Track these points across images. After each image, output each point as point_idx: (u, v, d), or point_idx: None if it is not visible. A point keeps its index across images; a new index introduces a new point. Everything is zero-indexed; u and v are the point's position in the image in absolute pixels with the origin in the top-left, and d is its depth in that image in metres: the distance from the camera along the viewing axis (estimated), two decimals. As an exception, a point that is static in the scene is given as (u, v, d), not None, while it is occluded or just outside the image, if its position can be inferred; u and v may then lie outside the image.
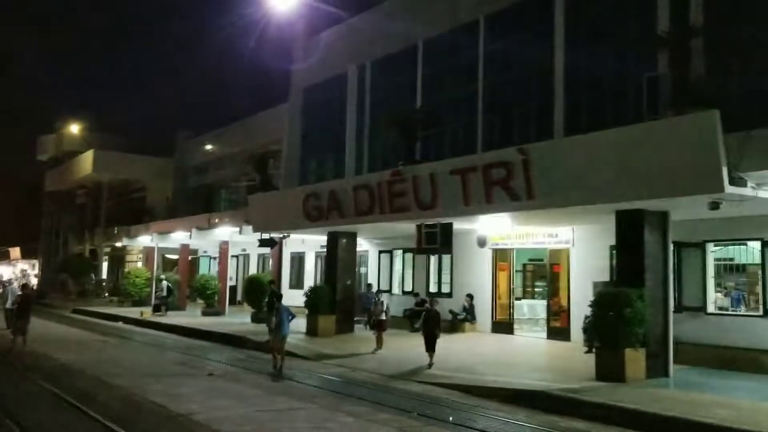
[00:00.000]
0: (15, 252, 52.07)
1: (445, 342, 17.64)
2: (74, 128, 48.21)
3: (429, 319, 14.54)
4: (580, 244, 17.46)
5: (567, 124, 16.88)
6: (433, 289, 20.69)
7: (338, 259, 20.51)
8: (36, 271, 48.74)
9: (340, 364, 14.91)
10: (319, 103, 26.25)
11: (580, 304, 15.95)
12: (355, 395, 11.50)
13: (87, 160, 42.81)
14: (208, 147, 36.09)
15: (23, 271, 52.11)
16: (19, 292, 27.95)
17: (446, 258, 20.41)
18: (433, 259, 20.97)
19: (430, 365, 13.86)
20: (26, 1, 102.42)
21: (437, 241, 16.32)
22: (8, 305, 24.80)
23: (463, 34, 20.06)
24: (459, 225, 17.06)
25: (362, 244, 22.75)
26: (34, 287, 37.70)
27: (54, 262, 47.36)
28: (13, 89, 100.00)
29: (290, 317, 14.22)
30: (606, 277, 15.79)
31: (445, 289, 20.41)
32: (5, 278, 39.08)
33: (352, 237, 20.89)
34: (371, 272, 23.63)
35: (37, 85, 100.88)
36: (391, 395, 11.52)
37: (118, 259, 41.33)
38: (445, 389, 11.97)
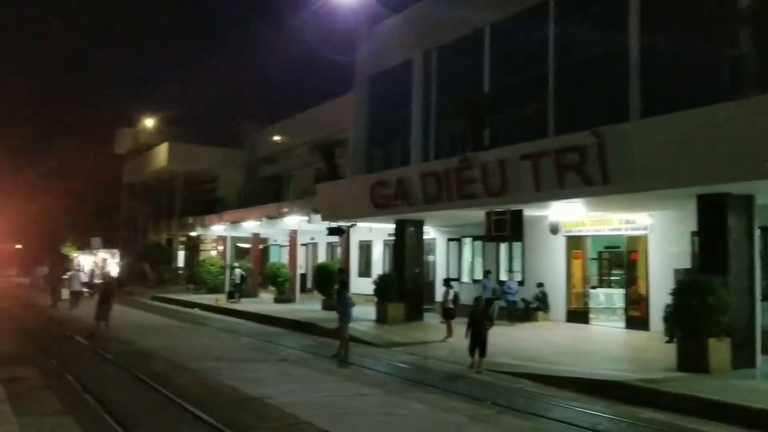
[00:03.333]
0: (96, 242, 54.49)
1: (517, 331, 17.50)
2: (150, 122, 49.92)
3: (475, 314, 12.75)
4: (658, 231, 16.85)
5: (643, 106, 16.26)
6: (503, 277, 20.41)
7: (406, 247, 20.51)
8: (116, 260, 50.80)
9: (409, 351, 14.92)
10: (385, 90, 26.24)
11: (659, 293, 15.42)
12: (426, 382, 11.48)
13: (162, 153, 44.26)
14: (277, 137, 36.67)
15: (103, 260, 54.45)
16: (85, 279, 29.85)
17: (517, 246, 20.09)
18: (503, 246, 20.67)
19: (475, 368, 12.32)
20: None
21: (507, 229, 16.06)
22: (73, 288, 26.73)
23: (532, 16, 19.59)
24: (530, 212, 16.75)
25: (429, 232, 22.67)
26: (115, 276, 39.29)
27: (133, 252, 49.30)
28: (94, 85, 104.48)
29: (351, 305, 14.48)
30: (687, 265, 15.21)
31: (516, 277, 20.08)
32: (78, 266, 40.97)
33: (420, 225, 20.84)
34: (439, 260, 23.52)
35: (115, 81, 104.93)
36: (462, 383, 11.44)
37: (193, 247, 42.62)
38: (518, 378, 11.78)
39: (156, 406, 9.42)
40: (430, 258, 23.55)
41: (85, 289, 28.32)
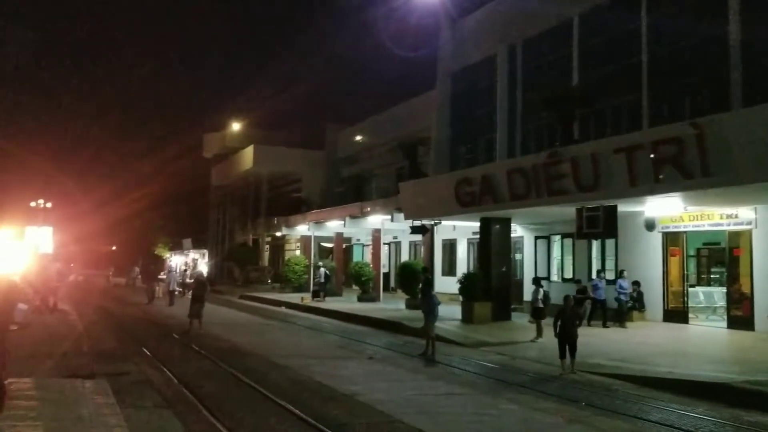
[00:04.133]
0: (187, 242, 56.83)
1: (611, 332, 16.97)
2: (236, 126, 51.63)
3: (563, 313, 12.16)
4: (764, 225, 15.94)
5: (745, 95, 15.46)
6: (595, 276, 19.84)
7: (492, 245, 20.28)
8: (206, 259, 52.75)
9: (498, 351, 14.73)
10: (468, 86, 26.05)
11: (765, 291, 14.59)
12: (516, 383, 11.31)
13: (248, 155, 45.68)
14: (358, 137, 37.09)
15: (194, 260, 56.67)
16: (179, 279, 31.25)
17: (610, 243, 19.47)
18: (595, 243, 20.08)
19: (567, 370, 11.90)
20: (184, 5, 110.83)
21: (600, 225, 15.61)
22: (171, 288, 28.24)
23: (623, 4, 18.98)
24: (624, 207, 16.22)
25: (516, 230, 22.31)
26: (206, 275, 40.84)
27: (221, 252, 51.07)
28: (181, 92, 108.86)
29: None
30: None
31: (609, 275, 19.46)
32: (172, 266, 42.80)
33: (506, 222, 20.55)
34: (527, 259, 23.11)
35: (202, 87, 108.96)
36: (554, 384, 11.19)
37: (278, 247, 43.74)
38: (613, 380, 11.42)
39: (249, 400, 9.68)
40: (517, 256, 23.18)
41: (178, 288, 29.59)
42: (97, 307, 26.49)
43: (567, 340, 12.03)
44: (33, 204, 50.95)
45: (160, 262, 51.09)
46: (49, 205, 51.48)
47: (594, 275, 19.09)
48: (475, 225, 21.49)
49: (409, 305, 22.77)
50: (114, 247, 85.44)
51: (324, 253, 34.98)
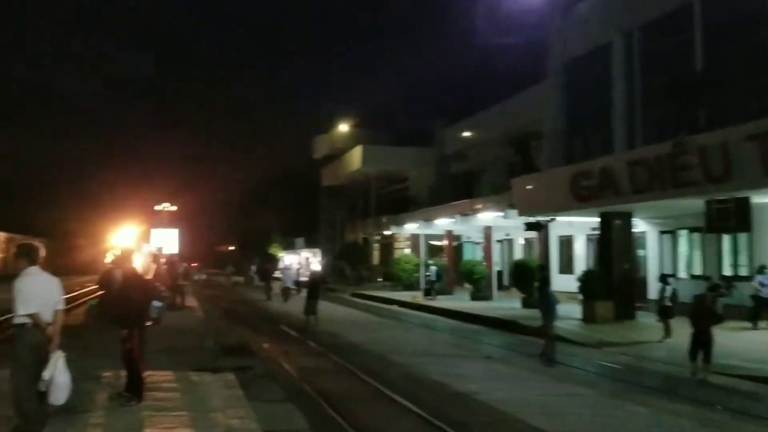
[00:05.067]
0: (300, 242, 58.74)
1: (749, 333, 15.91)
2: (344, 127, 52.76)
3: (697, 312, 11.37)
4: None
5: None
6: (727, 272, 18.66)
7: (612, 241, 19.57)
8: (318, 258, 54.25)
9: (621, 351, 14.21)
10: (582, 76, 25.24)
11: None
12: (644, 384, 10.89)
13: (356, 156, 46.52)
14: (466, 133, 36.82)
15: (306, 258, 58.43)
16: (294, 277, 32.38)
17: (742, 237, 18.25)
18: (726, 238, 18.90)
19: (699, 373, 10.95)
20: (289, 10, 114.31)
21: (731, 219, 14.71)
22: (288, 285, 29.43)
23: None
24: (758, 198, 15.17)
25: (639, 225, 21.40)
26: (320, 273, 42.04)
27: (332, 250, 52.33)
28: (291, 96, 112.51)
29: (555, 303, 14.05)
30: None
31: (743, 272, 18.21)
32: (288, 265, 44.36)
33: (628, 217, 19.76)
34: (650, 255, 22.10)
35: (312, 90, 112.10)
36: (685, 386, 10.64)
37: (388, 246, 44.25)
38: (755, 383, 10.73)
39: (368, 397, 9.89)
40: (640, 252, 22.23)
41: (293, 286, 30.69)
42: (219, 305, 27.92)
43: (701, 340, 11.40)
44: (158, 207, 54.39)
45: (275, 261, 53.07)
46: (173, 208, 54.80)
47: (757, 271, 17.35)
48: (594, 220, 20.81)
49: (525, 304, 22.39)
50: (232, 248, 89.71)
51: (434, 251, 35.03)
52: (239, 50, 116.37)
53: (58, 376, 6.25)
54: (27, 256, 6.51)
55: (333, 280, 43.50)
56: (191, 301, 25.50)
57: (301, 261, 58.39)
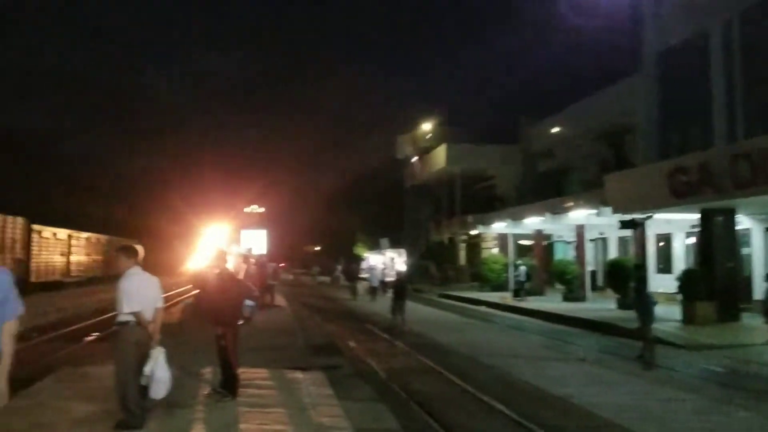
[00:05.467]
0: (384, 242, 59.17)
1: None
2: (427, 126, 52.76)
3: None
4: None
5: None
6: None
7: (714, 239, 18.66)
8: (403, 258, 54.46)
9: (726, 355, 13.51)
10: (677, 67, 24.17)
11: None
12: (750, 389, 10.31)
13: (440, 155, 46.43)
14: (554, 129, 36.04)
15: (391, 258, 58.74)
16: (380, 277, 32.66)
17: None
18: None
19: None
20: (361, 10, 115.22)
21: None
22: (374, 285, 29.79)
23: None
24: None
25: (743, 221, 20.31)
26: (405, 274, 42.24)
27: (417, 250, 52.41)
28: (376, 95, 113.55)
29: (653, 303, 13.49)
30: None
31: None
32: (373, 265, 44.78)
33: (731, 214, 18.79)
34: (756, 253, 20.91)
35: (393, 90, 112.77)
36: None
37: (474, 245, 43.87)
38: None
39: (458, 398, 9.81)
40: (745, 251, 21.09)
41: (379, 286, 31.00)
42: (307, 304, 28.48)
43: None
44: (247, 209, 56.13)
45: (360, 261, 53.66)
46: (262, 209, 56.44)
47: None
48: (693, 217, 19.91)
49: (621, 305, 21.67)
50: (318, 248, 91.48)
51: (522, 250, 34.44)
52: (324, 50, 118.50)
53: (158, 371, 6.53)
54: (130, 256, 6.84)
55: (418, 280, 43.54)
56: (280, 301, 26.13)
57: (386, 261, 58.80)
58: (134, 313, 6.54)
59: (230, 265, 10.90)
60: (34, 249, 28.51)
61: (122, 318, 6.59)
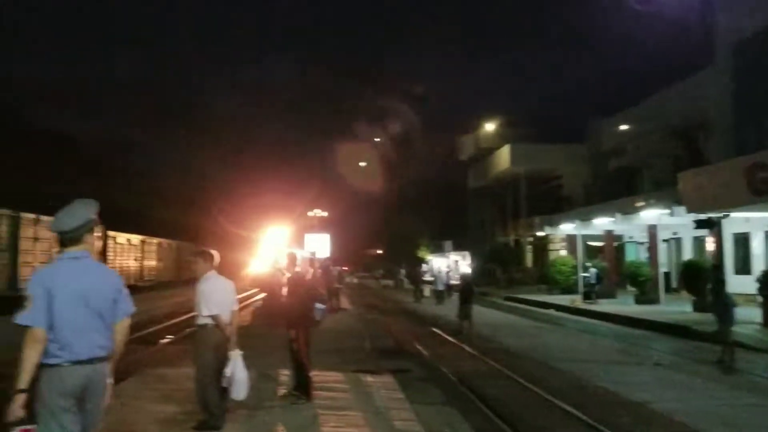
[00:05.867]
0: (448, 245, 58.98)
1: None
2: (490, 126, 52.39)
3: None
4: None
5: None
6: None
7: (797, 238, 17.93)
8: (467, 261, 54.20)
9: (814, 360, 13.00)
10: (752, 59, 23.38)
11: None
12: None
13: (504, 155, 46.04)
14: (623, 127, 35.24)
15: (455, 261, 58.55)
16: (446, 281, 32.56)
17: None
18: None
19: None
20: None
21: None
22: (439, 288, 29.73)
23: None
24: None
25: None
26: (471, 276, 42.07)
27: (481, 253, 52.03)
28: (438, 97, 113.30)
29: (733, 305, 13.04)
30: None
31: None
32: (438, 268, 44.69)
33: (815, 211, 18.02)
34: None
35: (456, 90, 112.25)
36: None
37: (541, 247, 43.29)
38: None
39: (531, 403, 9.73)
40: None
41: (444, 289, 30.98)
42: (372, 307, 28.71)
43: None
44: (310, 213, 56.90)
45: (423, 264, 53.61)
46: (324, 214, 57.13)
47: None
48: (774, 215, 19.20)
49: (697, 307, 21.03)
50: (380, 251, 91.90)
51: (592, 252, 33.79)
52: (384, 51, 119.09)
53: (237, 372, 6.75)
54: (207, 260, 7.10)
55: (483, 283, 43.25)
56: (345, 304, 26.42)
57: (450, 264, 58.63)
58: (213, 316, 6.78)
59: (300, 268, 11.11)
60: (110, 254, 29.71)
61: (202, 321, 6.84)
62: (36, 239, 21.99)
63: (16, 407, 3.68)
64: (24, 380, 3.71)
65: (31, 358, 3.76)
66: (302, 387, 8.66)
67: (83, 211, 4.11)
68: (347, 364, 11.66)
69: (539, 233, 40.98)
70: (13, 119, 37.28)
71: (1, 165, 31.58)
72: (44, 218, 22.65)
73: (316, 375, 9.44)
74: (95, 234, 4.16)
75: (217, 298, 6.85)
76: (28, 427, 3.71)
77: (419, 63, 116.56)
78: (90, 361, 3.91)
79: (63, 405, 3.82)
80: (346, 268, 56.37)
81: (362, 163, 63.05)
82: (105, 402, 4.07)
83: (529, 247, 45.71)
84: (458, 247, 58.61)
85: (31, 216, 21.85)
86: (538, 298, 30.69)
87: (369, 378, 10.45)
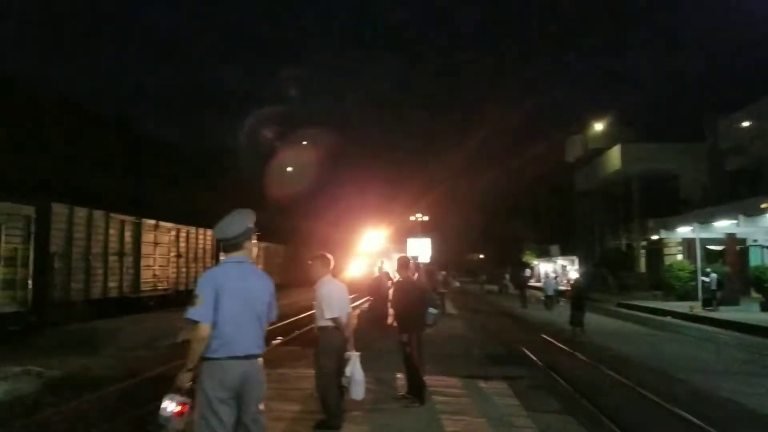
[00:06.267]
0: (554, 249, 57.72)
1: None
2: (598, 126, 50.83)
3: None
4: None
5: None
6: None
7: None
8: (575, 266, 52.84)
9: None
10: None
11: None
12: None
13: (614, 156, 44.50)
14: (745, 123, 33.31)
15: (562, 266, 57.18)
16: (554, 287, 31.86)
17: None
18: None
19: None
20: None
21: None
22: (548, 293, 29.22)
23: None
24: None
25: None
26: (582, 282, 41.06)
27: (591, 258, 50.53)
28: (543, 97, 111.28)
29: None
30: None
31: None
32: (547, 273, 43.84)
33: None
34: None
35: (561, 89, 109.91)
36: None
37: (655, 251, 41.56)
38: None
39: (652, 413, 9.44)
40: None
41: (553, 295, 30.43)
42: (477, 312, 28.52)
43: None
44: (412, 218, 57.23)
45: (528, 269, 52.72)
46: (426, 218, 57.31)
47: None
48: None
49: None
50: (482, 255, 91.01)
51: (712, 256, 32.15)
52: (485, 53, 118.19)
53: (356, 373, 6.96)
54: (325, 265, 7.34)
55: (594, 289, 42.04)
56: (451, 309, 26.38)
57: (557, 269, 57.33)
58: (333, 319, 7.01)
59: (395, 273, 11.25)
60: (222, 257, 31.02)
61: (323, 323, 7.08)
62: (156, 244, 23.30)
63: (185, 378, 4.14)
64: (192, 360, 4.19)
65: (197, 350, 4.19)
66: (415, 390, 8.75)
67: (243, 220, 4.58)
68: (458, 369, 11.66)
69: (653, 237, 39.44)
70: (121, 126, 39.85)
71: (118, 171, 33.86)
72: (163, 224, 24.04)
73: (429, 379, 9.51)
74: (253, 241, 4.59)
75: (336, 302, 7.08)
76: (186, 400, 4.09)
77: (530, 63, 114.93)
78: (246, 357, 4.28)
79: (221, 396, 4.19)
80: (449, 273, 56.27)
81: (463, 166, 62.73)
82: (261, 396, 4.40)
83: (642, 252, 43.99)
84: (566, 252, 57.23)
85: (152, 222, 23.17)
86: (651, 305, 29.54)
87: (481, 384, 10.41)
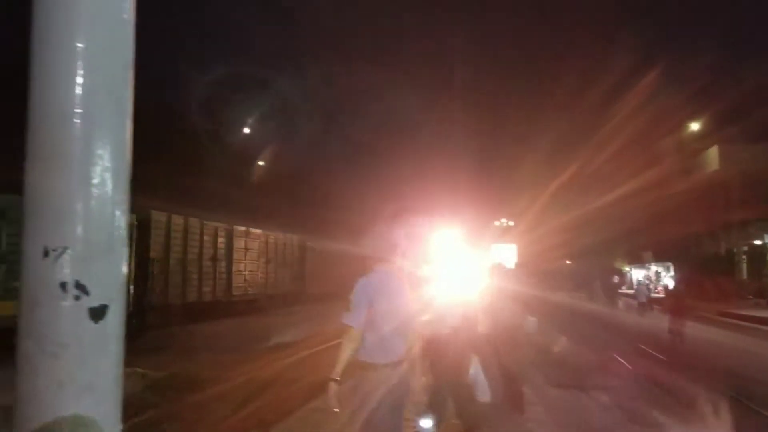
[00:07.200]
0: (647, 255, 55.86)
1: None
2: (694, 126, 48.95)
3: None
4: None
5: None
6: None
7: None
8: (670, 272, 51.02)
9: None
10: None
11: None
12: None
13: (711, 157, 42.80)
14: None
15: (656, 273, 55.38)
16: (647, 293, 30.90)
17: None
18: None
19: None
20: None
21: None
22: (641, 300, 28.40)
23: None
24: None
25: None
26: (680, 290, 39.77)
27: (687, 264, 48.62)
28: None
29: None
30: None
31: None
32: (640, 280, 42.57)
33: None
34: None
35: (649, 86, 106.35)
36: None
37: (759, 257, 39.66)
38: None
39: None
40: None
41: (645, 301, 29.65)
42: (566, 320, 27.91)
43: None
44: (497, 223, 56.76)
45: (620, 276, 51.25)
46: (511, 223, 56.70)
47: None
48: None
49: None
50: (569, 261, 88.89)
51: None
52: (565, 55, 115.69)
53: (477, 375, 7.04)
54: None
55: (692, 296, 40.45)
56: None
57: (650, 275, 55.50)
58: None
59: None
60: (308, 263, 31.69)
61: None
62: (247, 249, 24.06)
63: (332, 397, 4.33)
64: (336, 371, 4.40)
65: (345, 352, 4.47)
66: (512, 399, 8.69)
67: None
68: (550, 379, 11.49)
69: (756, 241, 37.65)
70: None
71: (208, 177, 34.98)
72: (253, 230, 24.80)
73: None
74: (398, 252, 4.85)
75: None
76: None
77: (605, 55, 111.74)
78: (391, 364, 4.54)
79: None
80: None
81: (549, 169, 61.58)
82: (408, 401, 4.74)
83: (743, 257, 42.05)
84: (659, 258, 55.33)
85: (242, 228, 23.95)
86: (759, 314, 28.14)
87: (569, 394, 10.22)
